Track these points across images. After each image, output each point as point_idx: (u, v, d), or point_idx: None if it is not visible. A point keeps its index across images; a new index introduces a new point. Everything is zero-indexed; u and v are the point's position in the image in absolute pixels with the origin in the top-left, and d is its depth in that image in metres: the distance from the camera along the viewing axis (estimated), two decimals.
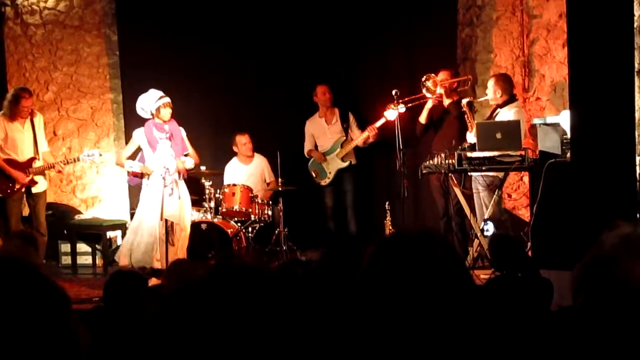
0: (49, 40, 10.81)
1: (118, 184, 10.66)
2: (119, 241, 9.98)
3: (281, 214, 9.67)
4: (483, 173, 8.36)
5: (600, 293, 1.77)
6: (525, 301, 4.74)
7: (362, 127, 9.96)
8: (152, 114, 8.73)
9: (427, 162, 8.28)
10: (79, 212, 10.57)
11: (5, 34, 10.75)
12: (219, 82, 10.48)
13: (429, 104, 9.15)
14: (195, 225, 9.27)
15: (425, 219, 9.82)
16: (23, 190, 8.92)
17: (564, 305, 3.16)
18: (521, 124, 8.35)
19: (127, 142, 9.39)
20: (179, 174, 8.75)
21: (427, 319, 1.79)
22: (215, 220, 9.39)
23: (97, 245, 9.99)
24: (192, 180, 9.86)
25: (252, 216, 9.52)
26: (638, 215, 6.00)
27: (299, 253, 9.54)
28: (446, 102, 9.06)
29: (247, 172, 10.18)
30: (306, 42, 10.42)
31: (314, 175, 10.18)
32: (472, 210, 8.54)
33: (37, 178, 8.97)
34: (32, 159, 8.94)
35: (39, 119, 9.14)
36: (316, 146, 10.25)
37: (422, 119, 9.26)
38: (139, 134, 8.82)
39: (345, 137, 10.10)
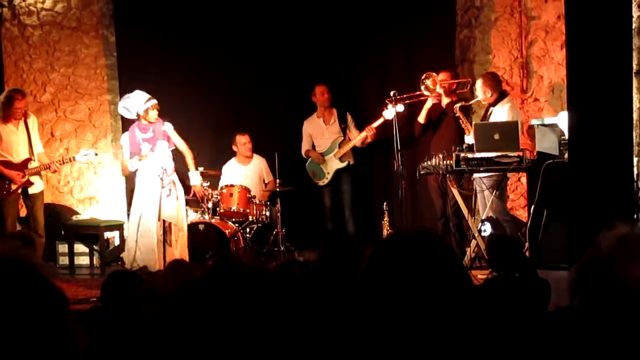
0: (47, 42, 10.80)
1: (115, 185, 10.66)
2: (117, 242, 9.99)
3: (279, 214, 9.67)
4: (486, 174, 8.37)
5: (598, 294, 1.77)
6: (523, 301, 4.75)
7: (360, 128, 9.96)
8: (138, 115, 8.80)
9: (425, 162, 8.29)
10: (77, 213, 10.56)
11: (2, 35, 10.74)
12: (217, 82, 10.48)
13: (428, 104, 9.15)
14: (193, 226, 9.28)
15: (423, 220, 9.83)
16: (19, 191, 8.92)
17: (561, 305, 3.16)
18: (515, 117, 8.39)
19: None
20: (197, 195, 8.95)
21: (425, 320, 1.79)
22: (213, 220, 9.40)
23: (94, 246, 9.99)
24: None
25: (250, 217, 9.53)
26: (635, 216, 6.01)
27: (296, 253, 9.54)
28: (445, 101, 9.06)
29: (245, 172, 10.18)
30: (305, 43, 10.42)
31: (311, 175, 10.18)
32: (470, 210, 8.54)
33: (33, 179, 8.97)
34: (27, 160, 8.93)
35: (32, 120, 9.13)
36: (314, 146, 10.25)
37: (421, 119, 9.26)
38: (124, 139, 8.98)
39: (343, 138, 10.10)
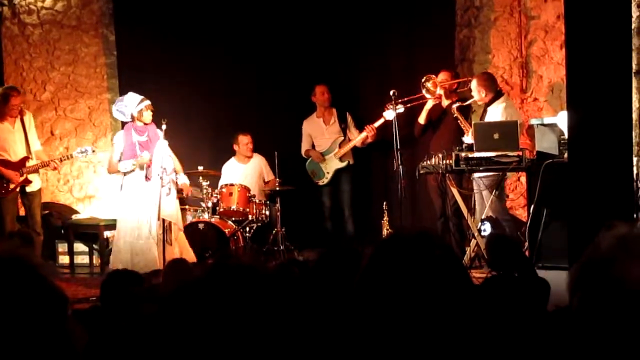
0: (47, 40, 10.80)
1: (115, 184, 10.64)
2: None
3: (278, 213, 9.67)
4: (485, 174, 8.38)
5: (597, 294, 1.77)
6: (522, 301, 4.75)
7: (360, 128, 9.96)
8: (132, 117, 8.78)
9: (425, 162, 8.29)
10: (76, 212, 10.56)
11: (2, 33, 10.75)
12: (217, 81, 10.48)
13: (428, 105, 9.16)
14: (192, 225, 9.28)
15: (422, 220, 9.82)
16: (17, 189, 8.91)
17: (560, 305, 3.16)
18: (511, 117, 8.40)
19: None
20: (185, 192, 8.95)
21: (425, 320, 1.80)
22: (213, 220, 9.40)
23: (94, 245, 10.00)
24: (190, 180, 9.87)
25: (250, 216, 9.53)
26: (635, 215, 6.01)
27: (296, 253, 9.54)
28: (445, 103, 9.06)
29: (244, 171, 10.18)
30: (304, 43, 10.42)
31: (311, 175, 10.18)
32: (470, 210, 8.54)
33: (31, 177, 8.96)
34: (25, 159, 8.93)
35: (28, 118, 9.12)
36: (313, 146, 10.25)
37: (421, 119, 9.26)
38: (118, 139, 8.91)
39: (343, 138, 10.10)
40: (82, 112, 10.88)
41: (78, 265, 9.94)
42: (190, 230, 9.14)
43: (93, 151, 9.39)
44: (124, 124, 9.27)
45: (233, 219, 9.56)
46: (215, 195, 9.55)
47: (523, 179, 9.31)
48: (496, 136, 7.87)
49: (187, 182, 9.16)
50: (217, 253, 8.92)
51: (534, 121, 8.52)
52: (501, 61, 9.91)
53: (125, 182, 8.86)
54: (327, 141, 10.13)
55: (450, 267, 1.87)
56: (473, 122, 8.36)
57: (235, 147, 10.23)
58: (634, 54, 6.72)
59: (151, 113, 8.79)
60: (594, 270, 1.80)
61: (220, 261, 1.86)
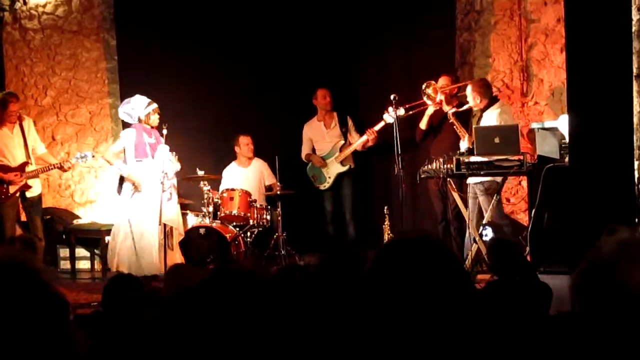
0: (48, 45, 10.82)
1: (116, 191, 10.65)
2: None
3: (280, 218, 9.67)
4: (480, 178, 8.39)
5: (599, 298, 1.77)
6: (524, 306, 4.74)
7: (361, 132, 9.96)
8: (139, 120, 8.80)
9: (426, 166, 8.28)
10: (78, 217, 10.57)
11: (3, 38, 10.77)
12: (218, 86, 10.49)
13: (429, 111, 9.16)
14: (193, 230, 9.28)
15: (423, 224, 9.82)
16: (17, 195, 8.92)
17: (563, 310, 3.16)
18: (508, 122, 8.42)
19: None
20: None
21: (427, 324, 1.80)
22: (214, 224, 9.39)
23: (95, 250, 10.01)
24: (191, 185, 9.88)
25: (251, 221, 9.52)
26: (636, 220, 6.00)
27: (297, 257, 9.53)
28: (446, 108, 9.06)
29: (245, 175, 10.18)
30: (305, 46, 10.42)
31: (312, 179, 10.18)
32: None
33: (30, 182, 8.97)
34: (24, 164, 8.94)
35: (28, 123, 9.14)
36: (314, 150, 10.25)
37: (423, 125, 9.27)
38: (127, 134, 8.89)
39: (343, 141, 10.10)
40: (83, 117, 10.89)
41: (79, 270, 9.96)
42: (192, 235, 9.14)
43: (93, 156, 9.40)
44: (124, 128, 9.29)
45: (234, 223, 9.56)
46: (216, 199, 9.55)
47: (524, 183, 9.30)
48: (497, 140, 7.86)
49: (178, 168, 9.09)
50: (218, 258, 8.91)
51: (534, 125, 8.52)
52: (502, 65, 9.91)
53: (126, 185, 8.88)
54: (328, 145, 10.14)
55: (452, 271, 1.87)
56: (473, 127, 8.34)
57: (237, 148, 10.23)
58: (634, 57, 6.72)
59: (158, 116, 8.84)
60: (596, 275, 1.80)
61: (222, 266, 1.86)
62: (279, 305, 1.79)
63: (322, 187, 10.16)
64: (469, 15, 10.06)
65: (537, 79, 9.76)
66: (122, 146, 8.91)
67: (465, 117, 8.90)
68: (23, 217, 9.37)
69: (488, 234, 8.11)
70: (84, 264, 10.08)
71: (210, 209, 9.48)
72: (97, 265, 9.95)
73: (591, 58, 5.55)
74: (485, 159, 7.88)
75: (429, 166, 8.24)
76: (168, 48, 10.46)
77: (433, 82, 9.07)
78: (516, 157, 7.83)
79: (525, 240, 7.61)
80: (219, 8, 10.51)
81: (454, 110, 8.80)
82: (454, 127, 8.74)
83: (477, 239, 8.18)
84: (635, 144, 6.34)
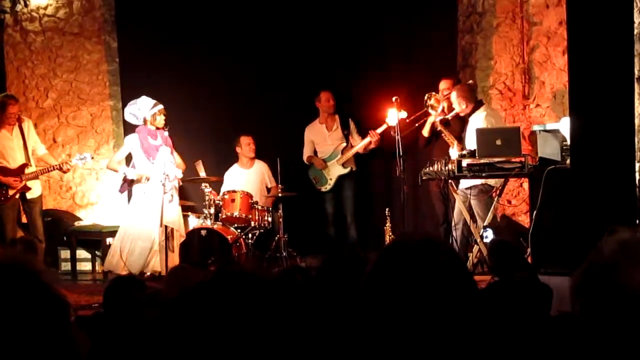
0: (49, 47, 10.82)
1: (117, 190, 10.65)
2: None
3: (281, 220, 9.66)
4: (472, 182, 8.40)
5: (599, 299, 1.77)
6: (525, 306, 4.74)
7: (362, 134, 9.96)
8: (145, 121, 8.82)
9: (427, 168, 8.29)
10: (79, 219, 10.57)
11: (4, 41, 10.77)
12: (220, 88, 10.49)
13: (431, 118, 9.16)
14: (195, 232, 9.28)
15: (425, 225, 9.82)
16: (17, 196, 8.93)
17: (564, 311, 3.16)
18: (494, 124, 8.45)
19: None
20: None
21: (430, 326, 1.79)
22: (215, 226, 9.39)
23: (96, 252, 10.00)
24: (192, 187, 9.88)
25: (252, 222, 9.51)
26: (638, 221, 6.00)
27: (298, 259, 9.53)
28: (432, 116, 9.10)
29: (247, 177, 10.18)
30: (307, 48, 10.43)
31: (314, 181, 10.19)
32: (472, 216, 8.55)
33: (30, 184, 8.98)
34: (24, 165, 8.95)
35: (27, 125, 9.15)
36: (315, 152, 10.25)
37: (425, 132, 9.29)
38: (132, 140, 8.93)
39: (345, 144, 10.10)
40: (85, 119, 10.89)
41: (80, 272, 9.95)
42: (193, 237, 9.14)
43: (92, 158, 9.41)
44: (126, 130, 9.31)
45: (235, 225, 9.55)
46: (217, 201, 9.55)
47: (525, 185, 9.31)
48: (498, 142, 7.87)
49: (179, 175, 9.14)
50: (219, 260, 8.91)
51: (536, 127, 8.52)
52: (503, 67, 9.91)
53: (135, 188, 8.92)
54: (330, 147, 10.14)
55: (455, 273, 1.87)
56: (475, 129, 8.35)
57: (238, 149, 10.23)
58: (636, 60, 6.72)
59: (164, 117, 8.87)
60: (597, 276, 1.80)
61: (223, 267, 1.86)
62: (281, 306, 1.79)
63: (323, 189, 10.16)
64: (471, 18, 10.06)
65: (539, 82, 9.76)
66: (127, 153, 8.95)
67: (460, 126, 8.92)
68: (24, 219, 9.38)
69: (489, 235, 8.12)
70: (85, 266, 10.07)
71: (212, 210, 9.48)
72: (98, 267, 9.95)
73: (593, 61, 5.55)
74: (487, 160, 7.91)
75: (431, 168, 8.25)
76: (169, 50, 10.46)
77: (434, 93, 9.08)
78: (518, 159, 7.84)
79: (527, 242, 7.62)
80: (220, 10, 10.51)
81: (440, 118, 8.82)
82: (442, 134, 8.78)
83: (478, 240, 8.20)
84: (636, 146, 6.34)
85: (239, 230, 9.49)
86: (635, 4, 6.76)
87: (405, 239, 2.01)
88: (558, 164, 7.51)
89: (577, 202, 5.70)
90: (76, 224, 10.34)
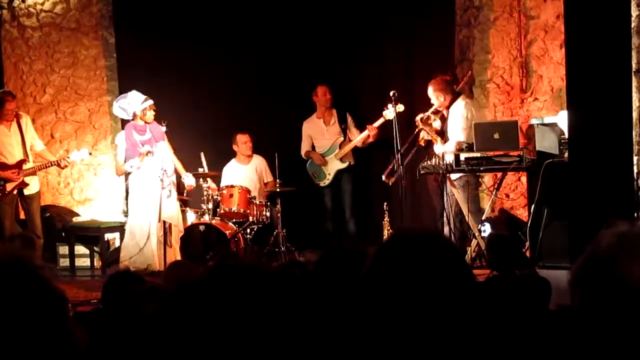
0: (46, 43, 10.81)
1: (116, 186, 10.66)
2: (117, 243, 9.98)
3: (279, 215, 9.66)
4: (457, 175, 8.40)
5: (598, 292, 1.77)
6: (523, 300, 4.75)
7: (360, 129, 9.96)
8: (134, 115, 8.84)
9: (425, 162, 8.29)
10: (77, 214, 10.56)
11: (2, 36, 10.75)
12: (217, 83, 10.48)
13: (424, 133, 9.14)
14: (193, 227, 9.28)
15: (423, 220, 9.82)
16: (15, 192, 8.93)
17: (562, 304, 3.16)
18: (469, 115, 8.43)
19: None
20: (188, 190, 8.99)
21: (429, 320, 1.79)
22: (214, 221, 9.39)
23: (95, 247, 10.01)
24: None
25: (250, 217, 9.51)
26: (635, 214, 6.02)
27: (297, 254, 9.52)
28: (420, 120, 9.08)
29: (245, 172, 10.17)
30: (304, 43, 10.42)
31: (312, 176, 10.19)
32: (470, 210, 8.54)
33: (28, 180, 8.97)
34: (22, 161, 8.94)
35: (25, 120, 9.15)
36: (313, 147, 10.25)
37: (422, 142, 9.27)
38: (120, 138, 8.97)
39: (343, 138, 10.10)
40: (82, 115, 10.88)
41: (79, 267, 9.95)
42: (191, 232, 9.14)
43: (90, 153, 9.41)
44: (123, 125, 9.29)
45: (234, 220, 9.55)
46: (215, 196, 9.55)
47: (523, 178, 9.30)
48: (496, 136, 7.87)
49: (193, 182, 9.20)
50: (218, 254, 8.91)
51: (534, 121, 8.53)
52: (501, 61, 9.90)
53: (132, 183, 8.92)
54: (328, 142, 10.14)
55: (455, 267, 1.87)
56: (473, 122, 8.35)
57: (235, 147, 10.23)
58: (633, 53, 6.73)
59: (153, 113, 8.87)
60: (595, 269, 1.80)
61: (223, 261, 1.86)
62: (282, 299, 1.78)
63: (322, 184, 10.16)
64: (468, 12, 10.05)
65: (537, 75, 9.75)
66: (123, 151, 8.99)
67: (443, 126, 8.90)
68: (22, 215, 9.37)
69: (487, 230, 8.13)
70: (83, 262, 10.08)
71: (210, 205, 9.48)
72: (97, 263, 9.95)
73: (590, 54, 5.56)
74: (485, 154, 7.91)
75: (429, 162, 8.25)
76: (167, 45, 10.44)
77: (422, 115, 8.85)
78: (515, 153, 7.84)
79: (525, 236, 7.62)
80: (217, 5, 10.50)
81: (420, 116, 8.79)
82: (425, 132, 8.75)
83: (476, 234, 8.21)
84: (634, 139, 6.36)
85: (237, 226, 9.49)
86: None
87: (405, 232, 2.01)
88: (556, 158, 7.51)
89: (576, 195, 5.71)
90: (74, 219, 10.34)
